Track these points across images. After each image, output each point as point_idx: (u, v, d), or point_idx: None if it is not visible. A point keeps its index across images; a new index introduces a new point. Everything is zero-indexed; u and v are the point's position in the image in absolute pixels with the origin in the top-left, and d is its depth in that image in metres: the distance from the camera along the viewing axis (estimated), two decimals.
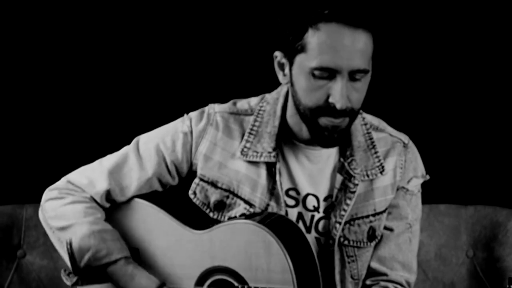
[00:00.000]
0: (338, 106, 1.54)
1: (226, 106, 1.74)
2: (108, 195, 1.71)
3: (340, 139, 1.62)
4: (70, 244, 1.65)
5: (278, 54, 1.63)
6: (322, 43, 1.52)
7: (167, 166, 1.71)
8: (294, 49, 1.57)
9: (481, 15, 2.49)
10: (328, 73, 1.54)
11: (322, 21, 1.52)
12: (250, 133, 1.69)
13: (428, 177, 1.78)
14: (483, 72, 2.53)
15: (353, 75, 1.54)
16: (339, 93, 1.54)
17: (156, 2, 2.50)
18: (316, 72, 1.54)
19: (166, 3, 2.51)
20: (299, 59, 1.57)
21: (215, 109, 1.73)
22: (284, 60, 1.62)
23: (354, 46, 1.52)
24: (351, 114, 1.58)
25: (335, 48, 1.52)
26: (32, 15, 2.47)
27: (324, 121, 1.58)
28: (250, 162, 1.68)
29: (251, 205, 1.68)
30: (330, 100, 1.55)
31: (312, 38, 1.53)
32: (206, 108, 1.74)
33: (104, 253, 1.63)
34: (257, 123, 1.70)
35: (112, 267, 1.64)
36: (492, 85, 2.53)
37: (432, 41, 2.52)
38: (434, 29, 2.51)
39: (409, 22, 2.49)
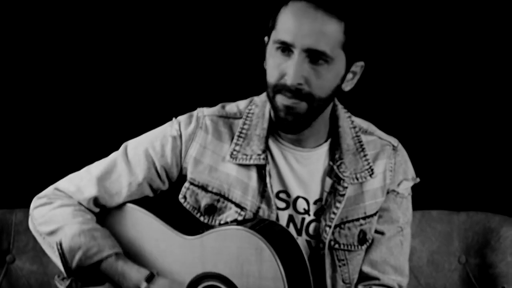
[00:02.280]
0: (288, 81, 1.55)
1: (215, 110, 1.73)
2: (96, 201, 1.70)
3: (296, 125, 1.61)
4: (60, 245, 1.63)
5: (266, 39, 1.65)
6: (286, 19, 1.56)
7: (157, 171, 1.70)
8: (270, 28, 1.60)
9: (470, 17, 2.50)
10: (286, 50, 1.55)
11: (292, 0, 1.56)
12: (239, 136, 1.69)
13: (418, 180, 1.78)
14: (475, 77, 2.54)
15: (313, 57, 1.55)
16: (291, 69, 1.55)
17: (142, 8, 2.51)
18: (276, 46, 1.57)
19: (152, 9, 2.51)
20: (271, 37, 1.60)
21: (204, 112, 1.73)
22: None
23: (314, 25, 1.53)
24: (308, 98, 1.57)
25: (295, 24, 1.54)
26: (28, 16, 2.48)
27: (279, 99, 1.59)
28: (240, 165, 1.67)
29: (242, 208, 1.67)
30: (285, 77, 1.57)
31: (281, 15, 1.57)
32: (195, 112, 1.74)
33: (95, 250, 1.62)
34: (246, 126, 1.69)
35: (104, 264, 1.63)
36: (485, 90, 2.54)
37: (423, 43, 2.53)
38: (425, 32, 2.52)
39: (400, 24, 2.50)
